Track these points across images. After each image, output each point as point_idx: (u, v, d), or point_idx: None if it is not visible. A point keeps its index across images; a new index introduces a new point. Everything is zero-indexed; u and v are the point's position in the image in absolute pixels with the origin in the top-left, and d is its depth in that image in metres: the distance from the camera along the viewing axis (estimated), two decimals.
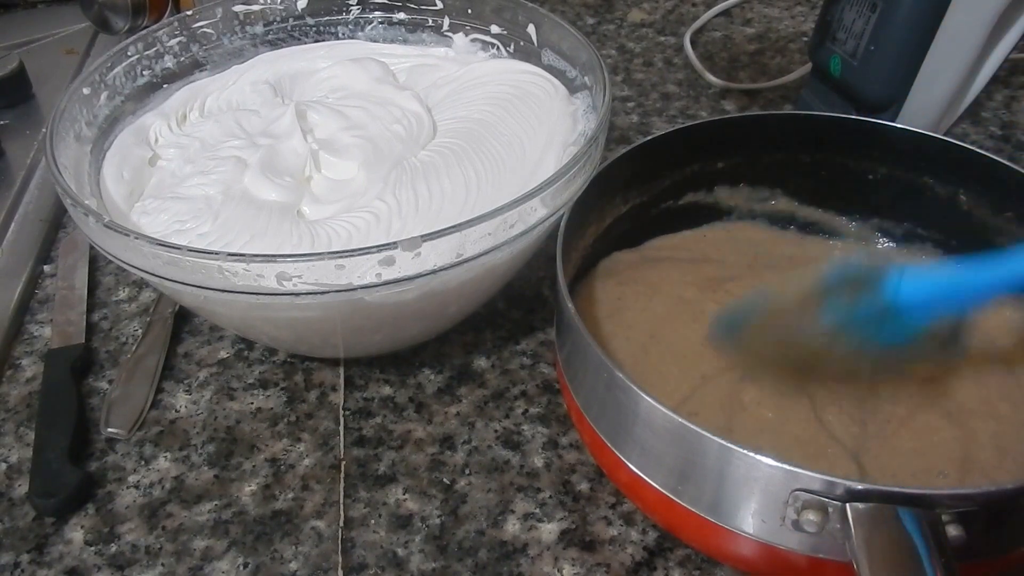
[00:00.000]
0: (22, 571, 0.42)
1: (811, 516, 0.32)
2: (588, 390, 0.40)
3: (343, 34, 0.63)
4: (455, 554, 0.42)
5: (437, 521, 0.43)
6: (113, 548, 0.43)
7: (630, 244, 0.53)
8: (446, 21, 0.61)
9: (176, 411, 0.50)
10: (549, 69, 0.57)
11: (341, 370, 0.52)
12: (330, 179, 0.51)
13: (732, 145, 0.53)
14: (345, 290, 0.40)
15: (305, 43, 0.62)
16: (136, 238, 0.40)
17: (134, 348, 0.53)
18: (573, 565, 0.41)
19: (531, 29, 0.57)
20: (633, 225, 0.53)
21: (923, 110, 0.61)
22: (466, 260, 0.41)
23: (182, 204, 0.48)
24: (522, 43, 0.59)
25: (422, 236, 0.39)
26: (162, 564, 0.42)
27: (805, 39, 0.83)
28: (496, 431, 0.48)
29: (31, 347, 0.54)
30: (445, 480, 0.45)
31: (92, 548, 0.43)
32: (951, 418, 0.42)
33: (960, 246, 0.51)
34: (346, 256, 0.38)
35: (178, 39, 0.57)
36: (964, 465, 0.40)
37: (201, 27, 0.58)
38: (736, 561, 0.40)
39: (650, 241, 0.54)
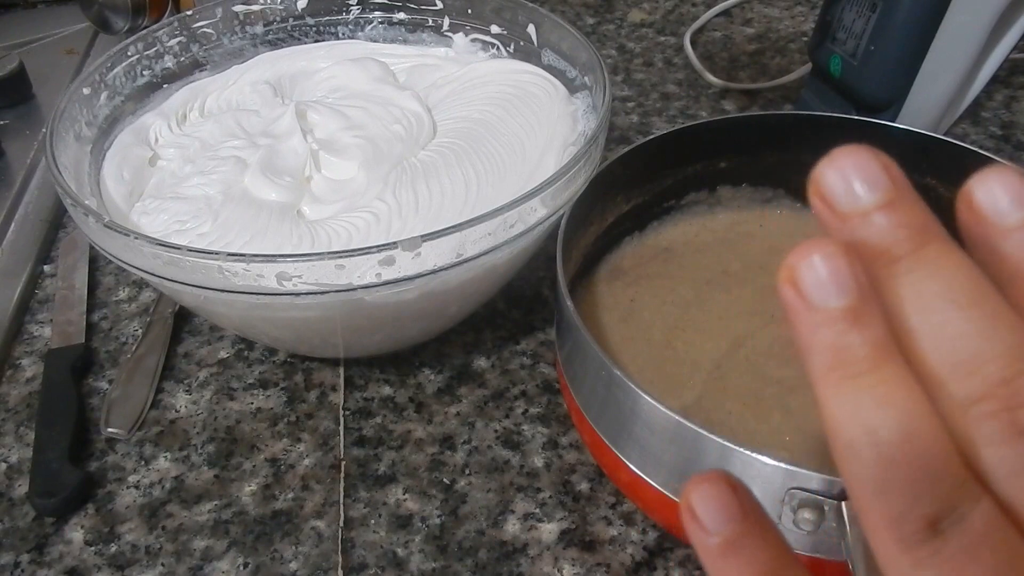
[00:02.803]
0: (22, 571, 0.42)
1: (807, 515, 0.32)
2: (588, 390, 0.40)
3: (343, 34, 0.63)
4: (455, 554, 0.42)
5: (437, 521, 0.43)
6: (113, 548, 0.43)
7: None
8: (446, 21, 0.61)
9: (176, 411, 0.50)
10: (549, 69, 0.57)
11: (341, 370, 0.52)
12: (330, 179, 0.51)
13: (732, 145, 0.52)
14: (345, 290, 0.40)
15: (305, 43, 0.62)
16: (136, 238, 0.40)
17: (134, 348, 0.53)
18: (573, 565, 0.41)
19: (531, 29, 0.57)
20: (635, 225, 0.53)
21: (923, 110, 0.61)
22: (466, 260, 0.41)
23: (182, 204, 0.48)
24: (522, 43, 0.59)
25: (422, 236, 0.39)
26: (162, 564, 0.42)
27: (805, 39, 0.83)
28: (496, 431, 0.48)
29: (31, 347, 0.54)
30: (445, 480, 0.45)
31: (92, 548, 0.43)
32: None
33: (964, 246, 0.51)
34: (346, 256, 0.38)
35: (178, 39, 0.57)
36: None
37: (201, 27, 0.58)
38: None
39: (654, 226, 0.54)
